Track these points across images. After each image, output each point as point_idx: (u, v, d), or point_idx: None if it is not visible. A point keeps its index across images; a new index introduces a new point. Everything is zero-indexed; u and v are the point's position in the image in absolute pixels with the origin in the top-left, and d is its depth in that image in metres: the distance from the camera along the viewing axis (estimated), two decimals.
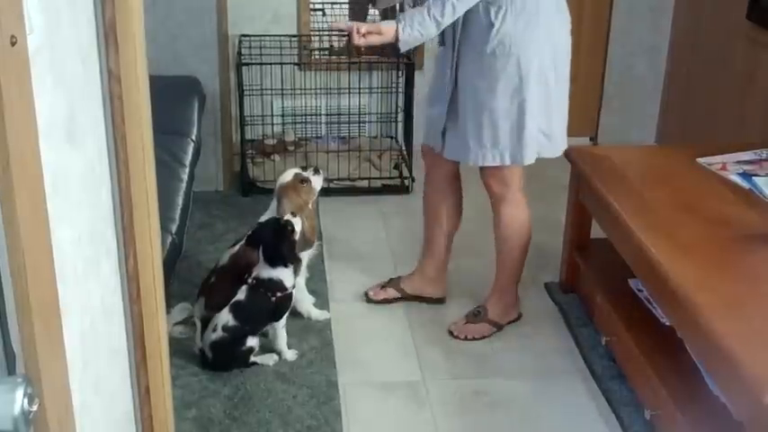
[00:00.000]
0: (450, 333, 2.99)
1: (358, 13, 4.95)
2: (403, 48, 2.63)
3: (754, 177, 2.74)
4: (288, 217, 2.72)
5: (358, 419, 2.59)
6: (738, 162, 2.87)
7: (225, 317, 2.71)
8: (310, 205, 2.92)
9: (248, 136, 3.99)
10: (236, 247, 2.94)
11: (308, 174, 2.93)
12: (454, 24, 2.64)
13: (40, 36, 1.15)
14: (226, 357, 2.72)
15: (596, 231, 3.01)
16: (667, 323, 2.52)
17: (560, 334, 3.02)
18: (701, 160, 2.90)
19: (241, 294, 2.74)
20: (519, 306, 3.07)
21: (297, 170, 2.95)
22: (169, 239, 2.55)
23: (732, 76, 3.77)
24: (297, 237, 2.71)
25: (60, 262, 1.19)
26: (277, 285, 2.73)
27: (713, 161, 2.88)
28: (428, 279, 3.16)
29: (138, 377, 1.72)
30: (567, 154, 3.03)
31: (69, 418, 1.20)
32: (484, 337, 2.97)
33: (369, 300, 3.17)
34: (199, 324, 2.80)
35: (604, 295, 2.87)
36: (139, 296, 1.65)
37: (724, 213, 2.57)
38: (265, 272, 2.72)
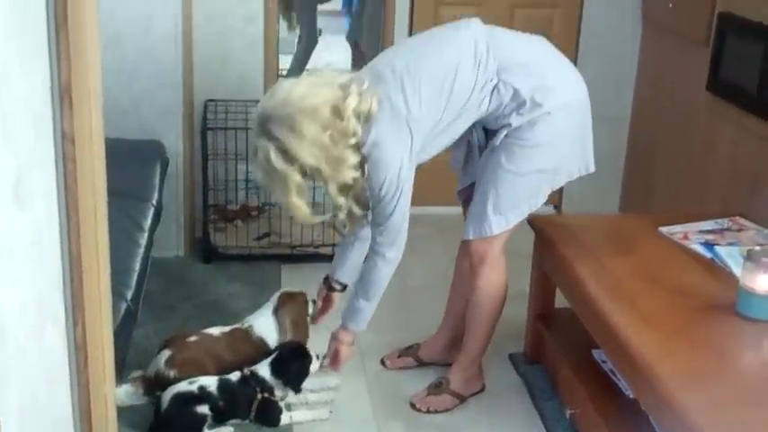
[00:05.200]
0: (412, 405, 2.92)
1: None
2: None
3: (715, 247, 2.75)
4: (315, 359, 2.81)
5: None
6: (700, 231, 2.88)
7: (209, 382, 2.66)
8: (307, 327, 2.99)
9: (211, 201, 3.95)
10: (228, 328, 2.92)
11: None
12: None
13: None
14: (180, 415, 2.62)
15: (561, 301, 2.99)
16: (631, 395, 2.49)
17: (524, 406, 2.97)
18: (663, 229, 2.90)
19: (233, 377, 2.72)
20: (482, 377, 3.02)
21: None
22: (124, 306, 2.49)
23: (693, 147, 3.81)
24: (308, 374, 2.78)
25: (1, 329, 1.15)
26: (268, 388, 2.72)
27: (675, 230, 2.89)
28: (444, 346, 3.13)
29: None
30: (530, 222, 3.02)
31: None
32: (447, 410, 2.91)
33: (385, 367, 3.16)
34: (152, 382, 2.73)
35: (569, 366, 2.84)
36: (87, 365, 1.60)
37: (686, 283, 2.57)
38: (263, 372, 2.73)
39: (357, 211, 2.64)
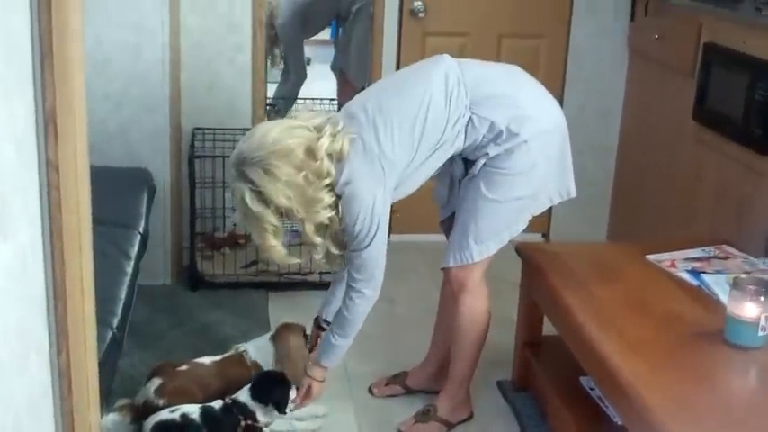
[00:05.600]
0: None
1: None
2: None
3: (702, 274, 2.75)
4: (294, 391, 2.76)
5: None
6: (687, 259, 2.88)
7: (192, 409, 2.64)
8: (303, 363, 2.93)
9: (198, 229, 3.94)
10: (219, 357, 2.90)
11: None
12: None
13: None
14: None
15: (549, 328, 2.99)
16: (620, 422, 2.48)
17: None
18: (650, 257, 2.91)
19: (215, 404, 2.69)
20: (470, 405, 3.01)
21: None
22: (110, 334, 2.47)
23: (679, 175, 3.83)
24: (288, 401, 2.72)
25: None
26: (250, 414, 2.68)
27: (662, 258, 2.89)
28: (432, 373, 3.11)
29: None
30: (518, 250, 3.03)
31: None
32: None
33: (373, 395, 3.14)
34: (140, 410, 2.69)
35: (557, 394, 2.83)
36: (71, 393, 1.59)
37: (673, 310, 2.57)
38: (243, 398, 2.70)
39: (334, 251, 2.65)
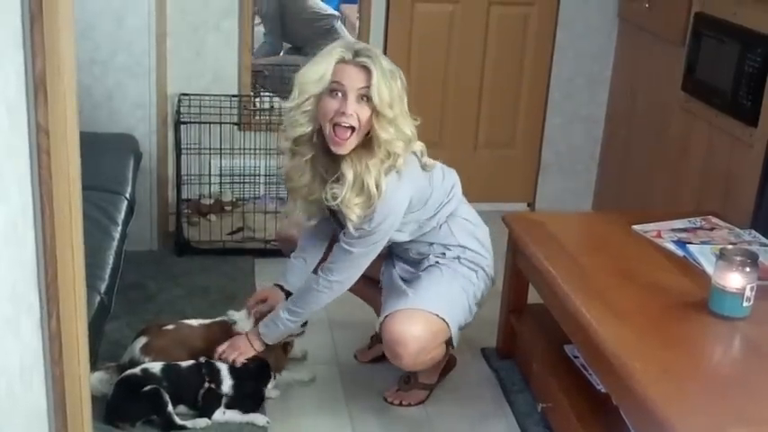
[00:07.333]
0: (385, 399, 2.93)
1: None
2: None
3: (688, 245, 2.77)
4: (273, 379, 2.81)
5: None
6: (673, 230, 2.90)
7: (153, 365, 2.66)
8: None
9: (185, 195, 3.93)
10: (208, 321, 2.91)
11: None
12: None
13: None
14: (126, 399, 2.61)
15: (534, 296, 3.01)
16: (603, 390, 2.51)
17: (496, 400, 2.98)
18: (636, 227, 2.93)
19: (182, 363, 2.70)
20: (447, 355, 2.98)
21: None
22: (97, 299, 2.47)
23: (667, 146, 3.84)
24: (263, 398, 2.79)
25: None
26: (217, 380, 2.70)
27: (648, 228, 2.91)
28: None
29: None
30: (504, 219, 3.04)
31: None
32: (420, 402, 2.92)
33: (358, 361, 3.17)
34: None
35: (540, 361, 2.85)
36: (61, 357, 1.59)
37: (659, 280, 2.59)
38: (222, 367, 2.72)
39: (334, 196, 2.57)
